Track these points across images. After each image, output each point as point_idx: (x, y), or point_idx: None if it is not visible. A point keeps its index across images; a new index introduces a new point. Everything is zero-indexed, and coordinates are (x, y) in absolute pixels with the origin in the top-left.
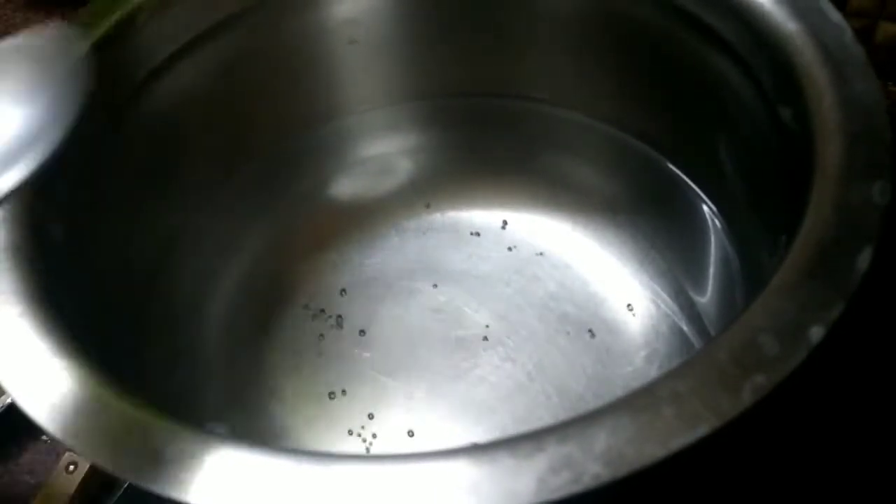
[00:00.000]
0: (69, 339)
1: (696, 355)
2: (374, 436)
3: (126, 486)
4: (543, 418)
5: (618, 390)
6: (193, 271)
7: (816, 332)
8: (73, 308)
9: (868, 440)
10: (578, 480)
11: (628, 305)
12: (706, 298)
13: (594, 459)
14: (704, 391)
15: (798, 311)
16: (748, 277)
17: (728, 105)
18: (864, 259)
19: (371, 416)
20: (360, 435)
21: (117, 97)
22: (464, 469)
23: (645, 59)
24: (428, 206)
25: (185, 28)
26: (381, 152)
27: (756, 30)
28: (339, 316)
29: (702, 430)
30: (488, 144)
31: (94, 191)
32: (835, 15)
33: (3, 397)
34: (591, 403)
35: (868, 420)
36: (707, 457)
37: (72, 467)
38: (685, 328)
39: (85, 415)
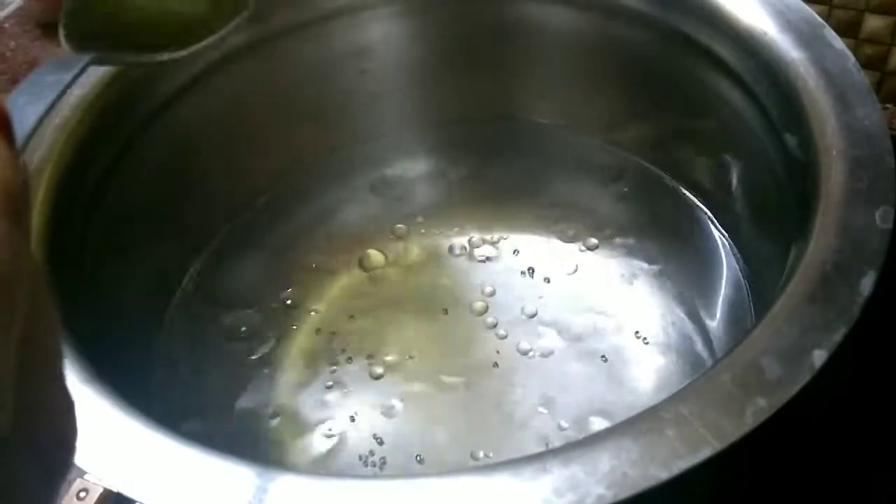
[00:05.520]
0: (84, 363)
1: (700, 378)
2: (384, 460)
3: None
4: (554, 444)
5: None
6: (203, 296)
7: (819, 356)
8: (84, 333)
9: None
10: (582, 503)
11: (639, 331)
12: (717, 322)
13: (598, 481)
14: (707, 414)
15: (800, 335)
16: (758, 300)
17: (735, 130)
18: (867, 283)
19: (381, 442)
20: (369, 459)
21: (132, 124)
22: (468, 491)
23: (651, 84)
24: (439, 231)
25: (198, 58)
26: (392, 178)
27: (760, 57)
28: (350, 340)
29: (704, 452)
30: (498, 169)
31: (107, 221)
32: (838, 43)
33: None
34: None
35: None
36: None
37: (83, 493)
38: (697, 352)
39: (101, 438)
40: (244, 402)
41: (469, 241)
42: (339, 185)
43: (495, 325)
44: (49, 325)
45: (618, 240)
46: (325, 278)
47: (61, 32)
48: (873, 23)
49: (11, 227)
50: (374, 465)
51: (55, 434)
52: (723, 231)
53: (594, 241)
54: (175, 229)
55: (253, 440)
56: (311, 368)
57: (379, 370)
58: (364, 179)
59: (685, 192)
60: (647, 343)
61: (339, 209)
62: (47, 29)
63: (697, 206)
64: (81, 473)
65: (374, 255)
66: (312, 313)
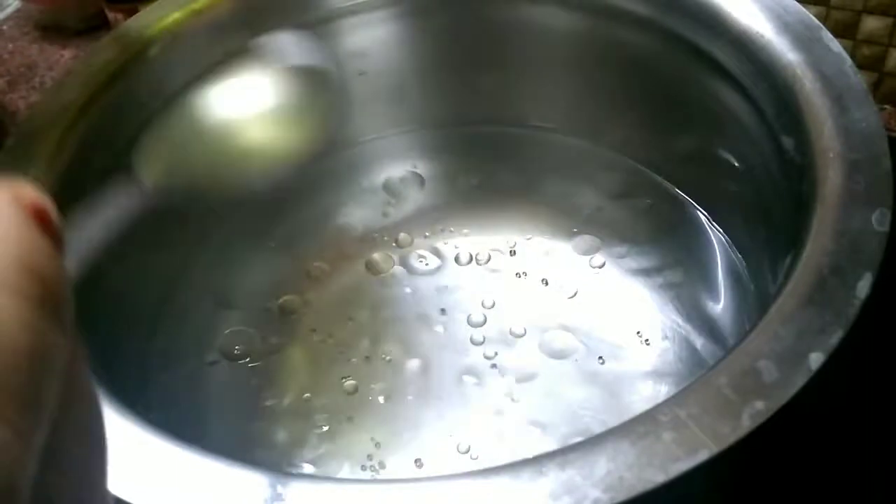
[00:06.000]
0: None
1: (697, 381)
2: (382, 463)
3: None
4: (552, 447)
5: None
6: (199, 302)
7: (816, 359)
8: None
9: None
10: None
11: (638, 332)
12: (717, 325)
13: (594, 485)
14: (704, 417)
15: (797, 338)
16: (757, 302)
17: (732, 133)
18: (863, 286)
19: (378, 445)
20: (367, 463)
21: (131, 124)
22: (466, 493)
23: (648, 87)
24: (435, 233)
25: (196, 60)
26: (390, 181)
27: (758, 60)
28: (348, 342)
29: (701, 455)
30: (496, 172)
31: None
32: (835, 45)
33: None
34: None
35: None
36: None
37: None
38: (697, 356)
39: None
40: (241, 403)
41: (465, 242)
42: (339, 187)
43: (496, 331)
44: (91, 435)
45: (615, 241)
46: (324, 279)
47: (138, 170)
48: (871, 23)
49: (49, 320)
50: (372, 468)
51: None
52: (720, 231)
53: (591, 242)
54: (175, 229)
55: (250, 442)
56: (309, 370)
57: (376, 373)
58: (364, 181)
59: (682, 193)
60: (647, 346)
61: (339, 211)
62: (46, 31)
63: (695, 206)
64: None
65: (374, 257)
66: (311, 315)
